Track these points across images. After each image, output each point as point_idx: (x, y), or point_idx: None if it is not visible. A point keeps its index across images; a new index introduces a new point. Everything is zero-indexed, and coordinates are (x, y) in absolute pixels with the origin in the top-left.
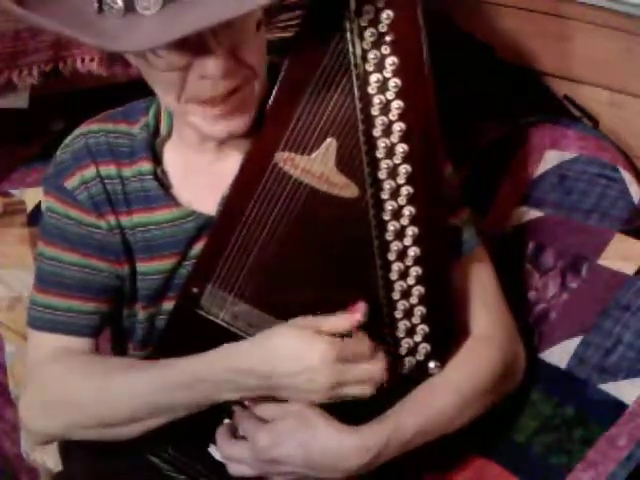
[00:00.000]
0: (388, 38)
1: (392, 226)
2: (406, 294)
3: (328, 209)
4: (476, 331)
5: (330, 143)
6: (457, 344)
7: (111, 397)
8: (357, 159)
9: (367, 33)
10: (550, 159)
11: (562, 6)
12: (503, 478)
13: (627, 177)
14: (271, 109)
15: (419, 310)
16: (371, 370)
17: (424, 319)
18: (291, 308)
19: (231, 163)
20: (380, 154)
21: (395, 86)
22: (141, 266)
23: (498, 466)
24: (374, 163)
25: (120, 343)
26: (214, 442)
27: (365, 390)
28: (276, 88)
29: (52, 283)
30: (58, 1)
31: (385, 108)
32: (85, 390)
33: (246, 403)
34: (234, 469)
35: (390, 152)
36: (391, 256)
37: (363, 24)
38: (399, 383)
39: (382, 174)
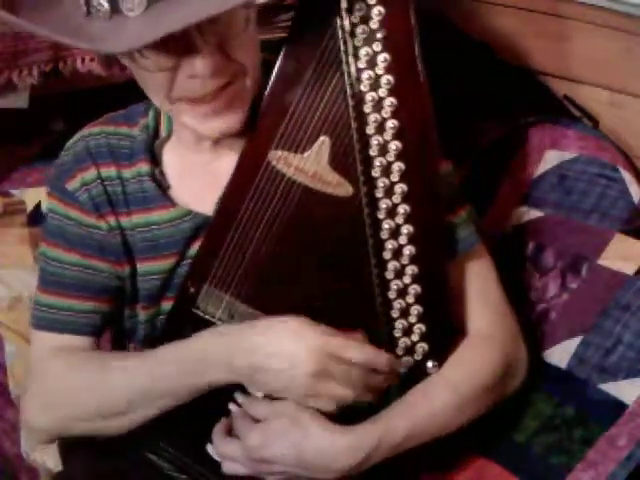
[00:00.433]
0: (379, 35)
1: (387, 224)
2: (402, 293)
3: (322, 208)
4: (475, 330)
5: (323, 141)
6: (456, 343)
7: (106, 387)
8: (350, 157)
9: (358, 30)
10: (550, 159)
11: (562, 6)
12: (503, 478)
13: (627, 177)
14: (264, 107)
15: (416, 309)
16: (359, 375)
17: (421, 318)
18: (286, 307)
19: (228, 163)
20: (373, 152)
21: (387, 83)
22: (142, 266)
23: (498, 466)
24: (367, 161)
25: (121, 344)
26: (212, 441)
27: (347, 392)
28: (269, 86)
29: (54, 283)
30: (50, 7)
31: (378, 105)
32: (83, 383)
33: (240, 401)
34: (227, 467)
35: (383, 150)
36: (386, 255)
37: (354, 21)
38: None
39: (376, 172)
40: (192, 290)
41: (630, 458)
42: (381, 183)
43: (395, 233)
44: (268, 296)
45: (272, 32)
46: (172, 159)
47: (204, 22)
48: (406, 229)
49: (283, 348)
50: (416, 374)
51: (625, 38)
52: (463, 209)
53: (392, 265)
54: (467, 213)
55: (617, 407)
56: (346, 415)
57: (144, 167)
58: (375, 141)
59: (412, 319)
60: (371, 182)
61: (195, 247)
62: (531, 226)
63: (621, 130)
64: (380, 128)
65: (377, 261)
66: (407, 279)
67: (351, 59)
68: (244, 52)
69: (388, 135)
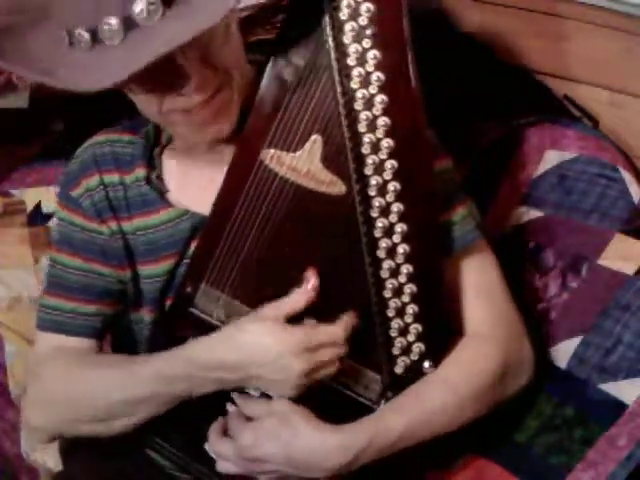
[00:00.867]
0: (369, 32)
1: (380, 223)
2: (398, 292)
3: (316, 207)
4: (475, 328)
5: (315, 140)
6: (455, 342)
7: (98, 391)
8: (342, 155)
9: (347, 27)
10: (550, 159)
11: (562, 6)
12: (503, 478)
13: (627, 177)
14: (256, 107)
15: (411, 308)
16: (335, 351)
17: (417, 318)
18: None
19: (224, 164)
20: (365, 150)
21: (378, 80)
22: (145, 270)
23: (498, 466)
24: (360, 159)
25: (122, 347)
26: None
27: (331, 370)
28: (260, 86)
29: (58, 286)
30: (34, 39)
31: (368, 103)
32: (82, 385)
33: (236, 400)
34: (221, 466)
35: (375, 147)
36: (380, 253)
37: (343, 18)
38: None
39: (368, 170)
40: (189, 290)
41: (630, 458)
42: (374, 181)
43: (389, 231)
44: (263, 295)
45: (271, 32)
46: (172, 164)
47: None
48: (400, 227)
49: (267, 356)
50: (412, 374)
51: (625, 38)
52: (462, 206)
53: (387, 264)
54: (467, 209)
55: (617, 407)
56: (338, 414)
57: (141, 172)
58: (367, 139)
59: (408, 319)
60: (364, 180)
61: (194, 246)
62: (531, 226)
63: (621, 130)
64: (371, 126)
65: (371, 260)
66: (402, 278)
67: (341, 57)
68: (229, 59)
69: (380, 132)
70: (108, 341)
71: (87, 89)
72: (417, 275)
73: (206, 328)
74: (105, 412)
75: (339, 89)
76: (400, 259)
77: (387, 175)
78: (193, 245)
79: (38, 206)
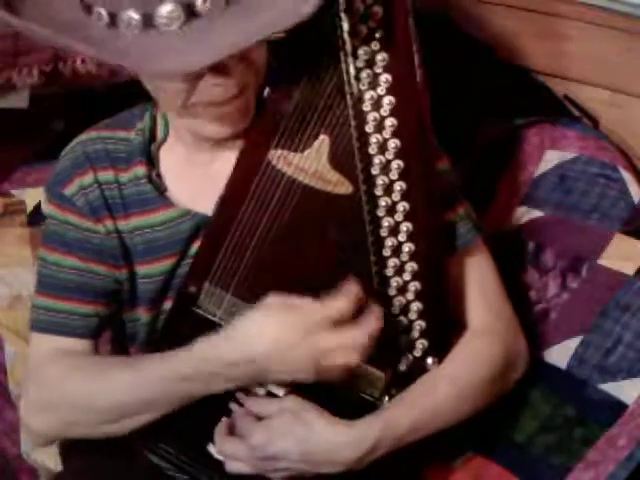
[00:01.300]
0: (378, 34)
1: (386, 222)
2: (402, 290)
3: (322, 206)
4: (475, 324)
5: (323, 140)
6: (456, 337)
7: (102, 393)
8: (350, 155)
9: (357, 30)
10: (550, 159)
11: (562, 6)
12: (503, 478)
13: (627, 177)
14: (264, 107)
15: (415, 306)
16: (353, 335)
17: (421, 315)
18: None
19: (226, 163)
20: (372, 150)
21: (386, 82)
22: (142, 269)
23: (498, 466)
24: (367, 159)
25: (121, 346)
26: (213, 441)
27: (351, 357)
28: (268, 87)
29: (52, 286)
30: (54, 14)
31: (376, 104)
32: (80, 387)
33: (242, 400)
34: (231, 466)
35: (382, 148)
36: (386, 252)
37: (353, 21)
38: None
39: (375, 170)
40: (193, 289)
41: (630, 458)
42: (380, 181)
43: (394, 230)
44: (268, 295)
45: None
46: (170, 161)
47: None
48: (405, 226)
49: (275, 347)
50: (416, 370)
51: (625, 38)
52: (461, 206)
53: (392, 262)
54: (465, 210)
55: (617, 407)
56: (342, 412)
57: (141, 170)
58: (374, 139)
59: (412, 316)
60: (370, 180)
61: (195, 246)
62: (531, 226)
63: (621, 130)
64: (379, 126)
65: (377, 258)
66: (407, 276)
67: (350, 58)
68: (261, 58)
69: (387, 133)
70: (106, 339)
71: (155, 73)
72: (421, 273)
73: (210, 328)
74: (113, 414)
75: (348, 90)
76: (405, 257)
77: (393, 175)
78: (194, 245)
79: (38, 206)
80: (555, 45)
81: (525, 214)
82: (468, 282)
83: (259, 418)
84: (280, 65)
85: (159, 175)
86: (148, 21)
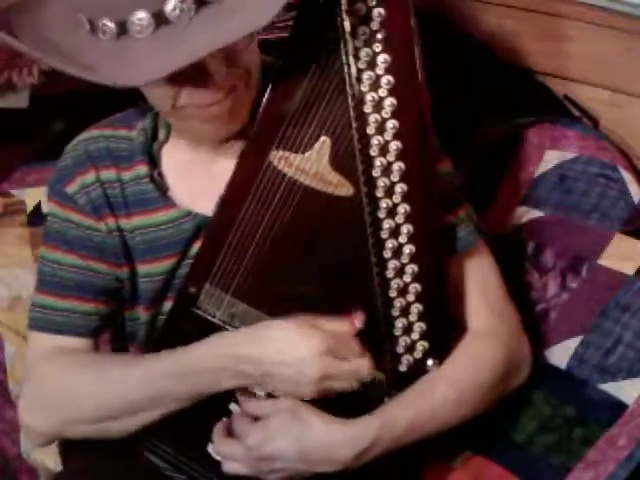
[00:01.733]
0: (380, 36)
1: (387, 224)
2: (402, 292)
3: (323, 207)
4: (477, 327)
5: (324, 141)
6: (457, 340)
7: (104, 390)
8: (351, 157)
9: (359, 31)
10: (550, 159)
11: (562, 6)
12: (503, 478)
13: (627, 177)
14: (265, 108)
15: (416, 307)
16: (359, 365)
17: (421, 316)
18: (287, 307)
19: (227, 164)
20: (374, 152)
21: (387, 83)
22: (142, 268)
23: (498, 466)
24: (368, 161)
25: (121, 345)
26: (213, 442)
27: (353, 385)
28: (270, 87)
29: (52, 285)
30: (49, 23)
31: (378, 106)
32: (79, 385)
33: (240, 401)
34: (228, 467)
35: (384, 150)
36: (387, 254)
37: (355, 22)
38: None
39: (376, 172)
40: (193, 290)
41: (630, 458)
42: (381, 183)
43: (395, 232)
44: (269, 296)
45: (271, 32)
46: (171, 161)
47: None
48: (406, 228)
49: (288, 356)
50: (416, 372)
51: (625, 38)
52: (462, 209)
53: (392, 264)
54: (466, 213)
55: (617, 407)
56: (342, 413)
57: (142, 169)
58: (375, 141)
59: (412, 317)
60: (371, 182)
61: (196, 247)
62: (531, 226)
63: (621, 130)
64: (380, 128)
65: (377, 260)
66: (407, 278)
67: (352, 60)
68: (248, 57)
69: (388, 135)
70: (106, 339)
71: (125, 84)
72: (422, 275)
73: (209, 328)
74: (116, 411)
75: (349, 92)
76: (405, 259)
77: (394, 177)
78: (195, 245)
79: (38, 206)
80: (555, 45)
81: (525, 214)
82: (469, 284)
83: (256, 419)
84: (282, 66)
85: (160, 175)
86: (122, 29)
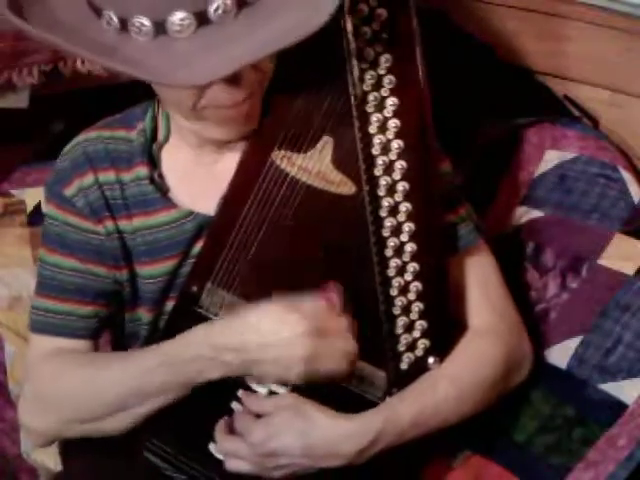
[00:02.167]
0: (382, 36)
1: (389, 222)
2: (404, 290)
3: (325, 206)
4: (477, 324)
5: (326, 141)
6: (457, 338)
7: (98, 387)
8: (353, 156)
9: (361, 31)
10: (550, 159)
11: (562, 6)
12: (503, 478)
13: (627, 177)
14: (268, 108)
15: (417, 306)
16: (346, 343)
17: (422, 315)
18: None
19: (229, 163)
20: (376, 151)
21: (389, 83)
22: (144, 269)
23: (498, 466)
24: (370, 160)
25: (121, 346)
26: (215, 440)
27: (341, 365)
28: (273, 88)
29: (52, 288)
30: (62, 17)
31: (380, 105)
32: (75, 384)
33: (242, 399)
34: (231, 465)
35: (385, 148)
36: (388, 252)
37: (357, 22)
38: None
39: (378, 171)
40: (194, 289)
41: (630, 458)
42: (383, 181)
43: (397, 231)
44: (270, 294)
45: None
46: (171, 161)
47: None
48: (407, 227)
49: (272, 339)
50: (417, 370)
51: (625, 38)
52: (463, 207)
53: (394, 262)
54: (466, 211)
55: (617, 407)
56: (343, 411)
57: (142, 170)
58: (377, 140)
59: (413, 316)
60: (373, 180)
61: (198, 246)
62: (531, 226)
63: (621, 130)
64: (382, 127)
65: (379, 259)
66: (408, 276)
67: (354, 60)
68: (269, 62)
69: (390, 134)
70: (106, 340)
71: (184, 84)
72: (423, 273)
73: None
74: (110, 407)
75: (352, 91)
76: (407, 257)
77: (396, 175)
78: (197, 245)
79: (38, 206)
80: (555, 45)
81: (525, 214)
82: (470, 282)
83: (259, 417)
84: (285, 66)
85: (161, 176)
86: (160, 28)
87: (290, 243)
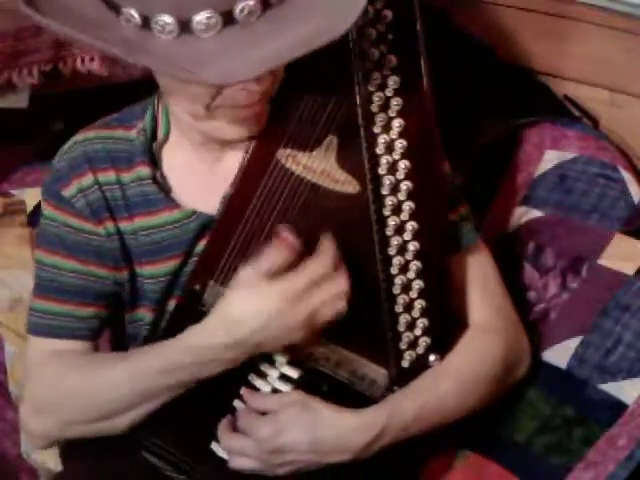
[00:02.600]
0: (387, 37)
1: (392, 221)
2: (406, 288)
3: (330, 205)
4: (477, 322)
5: (331, 140)
6: (458, 335)
7: (99, 388)
8: (358, 155)
9: (366, 33)
10: (550, 159)
11: (562, 6)
12: (503, 478)
13: (627, 177)
14: (273, 107)
15: (419, 304)
16: (335, 286)
17: (424, 313)
18: None
19: (231, 162)
20: (380, 150)
21: (394, 83)
22: (146, 269)
23: (498, 466)
24: (374, 159)
25: (121, 347)
26: (217, 440)
27: (338, 306)
28: (279, 88)
29: (51, 289)
30: (79, 12)
31: (385, 105)
32: (76, 385)
33: (245, 397)
34: (236, 463)
35: (390, 148)
36: (391, 251)
37: (362, 24)
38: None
39: (382, 170)
40: (197, 287)
41: (630, 458)
42: (387, 181)
43: (400, 229)
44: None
45: None
46: (172, 160)
47: None
48: (411, 225)
49: (262, 322)
50: (418, 368)
51: (625, 38)
52: (462, 207)
53: (397, 260)
54: (466, 211)
55: (617, 407)
56: (352, 408)
57: (144, 170)
58: (382, 139)
59: (415, 313)
60: (377, 180)
61: (201, 245)
62: (531, 226)
63: (621, 130)
64: (386, 127)
65: (382, 257)
66: (411, 274)
67: (359, 61)
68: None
69: (394, 133)
70: (106, 340)
71: (215, 83)
72: (425, 271)
73: None
74: (110, 409)
75: (357, 91)
76: (410, 256)
77: (400, 175)
78: (200, 244)
79: (38, 206)
80: (555, 45)
81: (525, 214)
82: (470, 280)
83: (263, 415)
84: (289, 66)
85: (162, 175)
86: (185, 27)
87: None
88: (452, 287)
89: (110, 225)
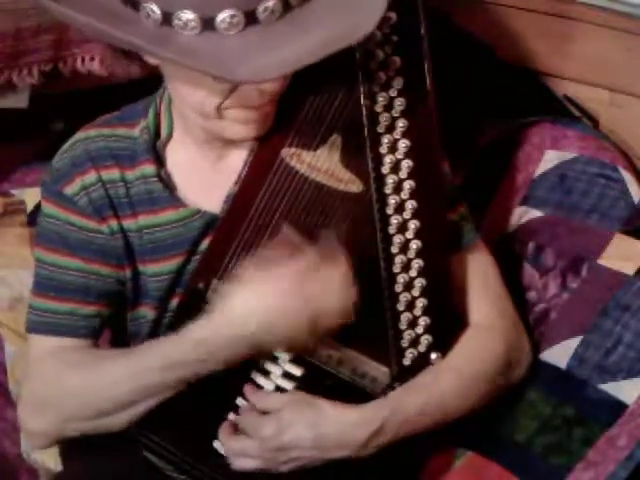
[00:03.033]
0: (392, 39)
1: (395, 220)
2: (408, 286)
3: (333, 203)
4: (477, 320)
5: (336, 139)
6: (459, 334)
7: (100, 385)
8: (361, 155)
9: (373, 33)
10: (550, 159)
11: (562, 6)
12: (503, 478)
13: (627, 177)
14: (279, 107)
15: (421, 302)
16: (331, 273)
17: (425, 311)
18: None
19: (234, 160)
20: (383, 150)
21: (398, 84)
22: (149, 267)
23: (498, 466)
24: (378, 158)
25: (121, 344)
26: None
27: (344, 297)
28: (285, 87)
29: (51, 288)
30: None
31: (389, 105)
32: (77, 382)
33: (248, 396)
34: (238, 463)
35: (393, 147)
36: (394, 249)
37: None
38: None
39: (385, 169)
40: (201, 285)
41: (630, 458)
42: (390, 180)
43: (403, 228)
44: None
45: None
46: (176, 159)
47: None
48: (413, 224)
49: (269, 319)
50: (420, 366)
51: (625, 38)
52: (462, 206)
53: (399, 259)
54: (466, 210)
55: (617, 407)
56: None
57: (149, 168)
58: (385, 139)
59: (417, 312)
60: (381, 179)
61: (204, 243)
62: (531, 226)
63: (621, 130)
64: (390, 127)
65: (385, 255)
66: (413, 272)
67: (365, 61)
68: None
69: (398, 133)
70: (106, 340)
71: (245, 80)
72: (427, 270)
73: None
74: (110, 405)
75: (362, 91)
76: (412, 254)
77: (403, 174)
78: (204, 242)
79: (38, 206)
80: (555, 45)
81: (525, 214)
82: (471, 279)
83: (264, 414)
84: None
85: (167, 173)
86: (208, 24)
87: None
88: (453, 286)
89: (114, 223)
